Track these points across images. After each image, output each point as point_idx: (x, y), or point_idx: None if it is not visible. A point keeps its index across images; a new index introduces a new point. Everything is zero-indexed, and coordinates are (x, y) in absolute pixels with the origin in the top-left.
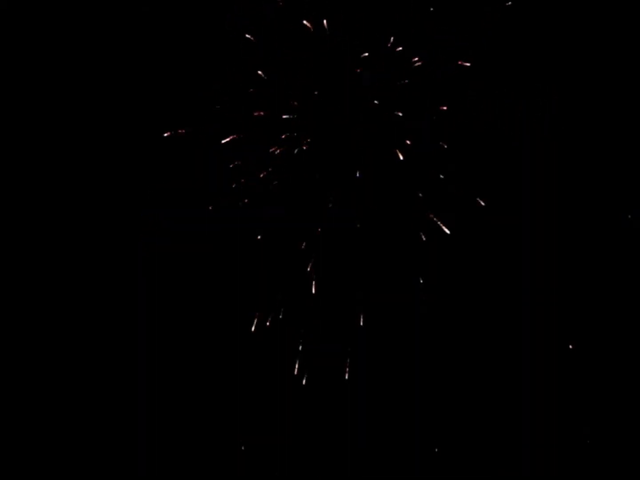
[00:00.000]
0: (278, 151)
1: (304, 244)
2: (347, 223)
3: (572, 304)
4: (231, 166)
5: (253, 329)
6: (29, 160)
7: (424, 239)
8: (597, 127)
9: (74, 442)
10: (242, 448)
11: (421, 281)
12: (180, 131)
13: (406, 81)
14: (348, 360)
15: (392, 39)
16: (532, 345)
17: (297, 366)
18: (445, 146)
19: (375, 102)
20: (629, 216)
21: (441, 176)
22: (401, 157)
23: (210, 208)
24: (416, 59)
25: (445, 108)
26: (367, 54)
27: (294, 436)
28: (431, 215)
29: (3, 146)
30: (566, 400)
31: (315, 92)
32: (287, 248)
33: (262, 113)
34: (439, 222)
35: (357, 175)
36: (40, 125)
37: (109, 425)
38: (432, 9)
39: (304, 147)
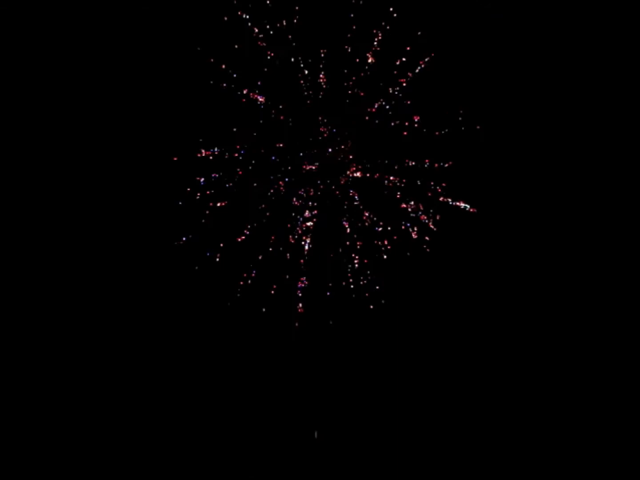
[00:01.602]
0: (277, 153)
1: (301, 243)
2: (343, 223)
3: (571, 303)
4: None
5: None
6: (30, 161)
7: (420, 238)
8: (597, 127)
9: (74, 442)
10: (241, 448)
11: (420, 281)
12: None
13: (405, 81)
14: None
15: (391, 39)
16: (532, 344)
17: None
18: (445, 146)
19: (374, 103)
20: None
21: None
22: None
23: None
24: (416, 59)
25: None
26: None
27: (293, 436)
28: (423, 217)
29: (3, 146)
30: (566, 400)
31: (311, 93)
32: (286, 248)
33: (262, 114)
34: (436, 221)
35: (353, 174)
36: (41, 125)
37: (109, 425)
38: (432, 9)
39: (302, 149)
